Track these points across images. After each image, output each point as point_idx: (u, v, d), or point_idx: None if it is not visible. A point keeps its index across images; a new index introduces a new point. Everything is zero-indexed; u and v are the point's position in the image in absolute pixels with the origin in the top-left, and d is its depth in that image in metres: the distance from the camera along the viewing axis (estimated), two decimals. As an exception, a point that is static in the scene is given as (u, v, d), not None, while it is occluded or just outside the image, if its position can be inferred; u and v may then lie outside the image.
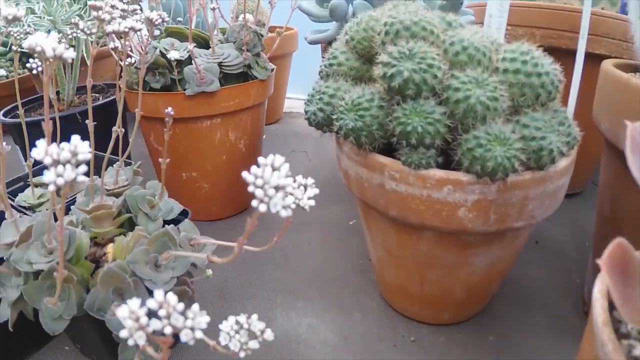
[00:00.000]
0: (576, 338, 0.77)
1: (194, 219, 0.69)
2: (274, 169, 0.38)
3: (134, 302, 0.33)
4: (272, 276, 0.94)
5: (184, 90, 0.93)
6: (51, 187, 0.31)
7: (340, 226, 1.11)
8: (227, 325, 0.40)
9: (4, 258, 0.58)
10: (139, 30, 0.58)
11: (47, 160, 0.31)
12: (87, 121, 0.63)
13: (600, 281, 0.34)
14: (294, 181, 0.44)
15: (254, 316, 0.41)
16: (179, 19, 1.21)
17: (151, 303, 0.34)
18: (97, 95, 1.38)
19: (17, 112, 1.20)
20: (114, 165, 0.74)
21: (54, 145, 0.32)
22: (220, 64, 0.93)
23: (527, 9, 1.05)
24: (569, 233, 1.06)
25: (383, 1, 0.98)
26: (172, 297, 0.35)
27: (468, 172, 0.59)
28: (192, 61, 0.90)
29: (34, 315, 0.57)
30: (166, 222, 0.70)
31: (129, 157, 1.36)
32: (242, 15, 0.95)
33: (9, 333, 0.58)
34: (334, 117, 0.66)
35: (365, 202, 0.71)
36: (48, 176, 0.31)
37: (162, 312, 0.34)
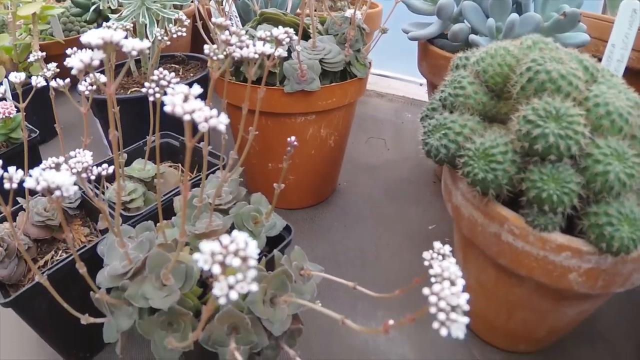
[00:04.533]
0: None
1: (275, 207, 0.69)
2: (451, 282, 0.37)
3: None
4: (352, 279, 0.94)
5: (281, 82, 0.91)
6: (222, 300, 0.30)
7: (420, 230, 1.10)
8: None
9: (113, 287, 0.57)
10: (267, 54, 0.54)
11: (216, 270, 0.30)
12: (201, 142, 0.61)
13: None
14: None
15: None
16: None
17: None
18: (176, 66, 1.34)
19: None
20: (215, 172, 0.73)
21: (217, 244, 0.30)
22: (321, 61, 0.90)
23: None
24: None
25: (496, 7, 0.94)
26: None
27: (589, 243, 0.58)
28: (292, 56, 0.88)
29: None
30: (269, 239, 0.70)
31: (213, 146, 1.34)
32: (349, 10, 0.91)
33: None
34: (461, 160, 0.64)
35: (471, 241, 0.70)
36: (219, 289, 0.30)
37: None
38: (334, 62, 0.91)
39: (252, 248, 0.31)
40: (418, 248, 1.03)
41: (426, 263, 0.45)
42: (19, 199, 0.81)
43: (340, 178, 1.24)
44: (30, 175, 0.37)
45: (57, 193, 0.37)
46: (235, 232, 0.31)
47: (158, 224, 0.65)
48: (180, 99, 0.34)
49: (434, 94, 0.77)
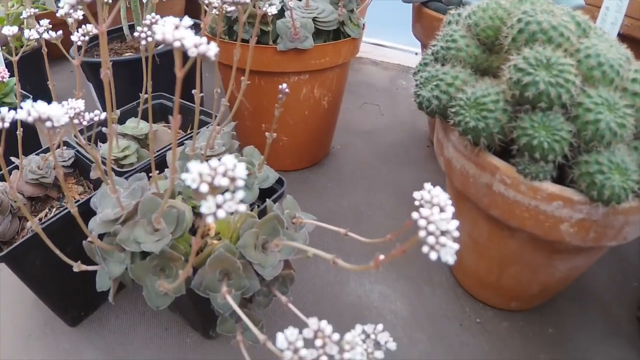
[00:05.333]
0: (626, 344, 0.79)
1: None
2: (441, 209, 0.37)
3: (291, 333, 0.34)
4: (345, 237, 0.94)
5: (274, 42, 0.90)
6: (210, 220, 0.30)
7: (414, 192, 1.09)
8: (354, 334, 0.41)
9: (106, 233, 0.57)
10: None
11: (204, 188, 0.30)
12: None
13: None
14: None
15: (380, 326, 0.41)
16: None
17: (307, 333, 0.35)
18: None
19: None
20: (208, 127, 0.73)
21: (205, 166, 0.30)
22: (314, 19, 0.90)
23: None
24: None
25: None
26: (327, 327, 0.35)
27: (580, 192, 0.59)
28: (285, 14, 0.87)
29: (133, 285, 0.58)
30: (261, 190, 0.70)
31: (201, 104, 1.35)
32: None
33: (86, 279, 0.59)
34: (452, 110, 0.64)
35: (463, 194, 0.70)
36: (206, 207, 0.30)
37: (318, 342, 0.35)
38: (327, 20, 0.91)
39: (241, 169, 0.31)
40: (411, 208, 1.04)
41: (417, 203, 0.45)
42: (13, 158, 0.81)
43: (333, 142, 1.24)
44: (21, 108, 0.37)
45: (48, 124, 0.37)
46: (224, 156, 0.31)
47: (151, 175, 0.65)
48: (171, 27, 0.34)
49: (427, 50, 0.77)
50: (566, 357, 0.76)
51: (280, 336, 0.34)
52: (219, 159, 0.31)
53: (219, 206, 0.30)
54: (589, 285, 0.89)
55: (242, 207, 0.30)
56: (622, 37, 0.99)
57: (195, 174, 0.30)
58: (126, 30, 1.26)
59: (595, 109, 0.56)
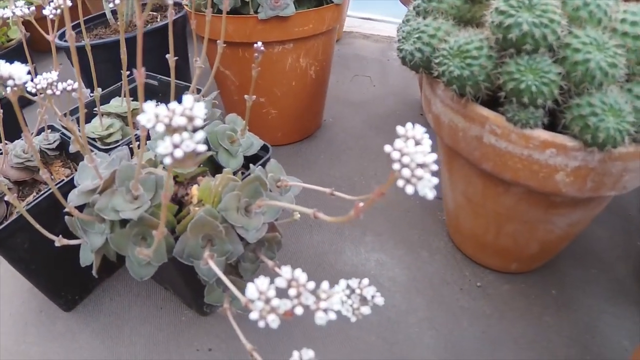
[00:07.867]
0: (631, 303, 0.76)
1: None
2: (416, 142, 0.35)
3: (262, 282, 0.32)
4: (339, 206, 0.93)
5: (255, 12, 0.88)
6: (167, 160, 0.28)
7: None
8: (339, 289, 0.39)
9: (86, 204, 0.56)
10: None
11: (160, 128, 0.28)
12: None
13: None
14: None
15: (365, 280, 0.40)
16: None
17: (280, 282, 0.33)
18: (154, 13, 1.32)
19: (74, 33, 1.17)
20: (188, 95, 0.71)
21: (163, 107, 0.29)
22: (295, -15, 0.88)
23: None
24: (635, 193, 1.02)
25: None
26: (301, 275, 0.34)
27: (575, 138, 0.56)
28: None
29: (117, 258, 0.57)
30: (246, 158, 0.69)
31: (187, 81, 1.33)
32: None
33: (78, 263, 0.58)
34: (436, 61, 0.62)
35: (454, 150, 0.68)
36: (163, 147, 0.28)
37: (292, 292, 0.33)
38: (309, -14, 0.89)
39: (199, 108, 0.29)
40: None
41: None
42: (-3, 144, 0.79)
43: (325, 114, 1.23)
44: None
45: (10, 82, 0.36)
46: (186, 97, 0.29)
47: (133, 147, 0.63)
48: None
49: (409, 6, 0.74)
50: (570, 318, 0.74)
51: (250, 286, 0.32)
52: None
53: (176, 146, 0.28)
54: (591, 246, 0.87)
55: (202, 147, 0.29)
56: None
57: (150, 114, 0.28)
58: (109, 15, 1.25)
59: (583, 49, 0.54)
